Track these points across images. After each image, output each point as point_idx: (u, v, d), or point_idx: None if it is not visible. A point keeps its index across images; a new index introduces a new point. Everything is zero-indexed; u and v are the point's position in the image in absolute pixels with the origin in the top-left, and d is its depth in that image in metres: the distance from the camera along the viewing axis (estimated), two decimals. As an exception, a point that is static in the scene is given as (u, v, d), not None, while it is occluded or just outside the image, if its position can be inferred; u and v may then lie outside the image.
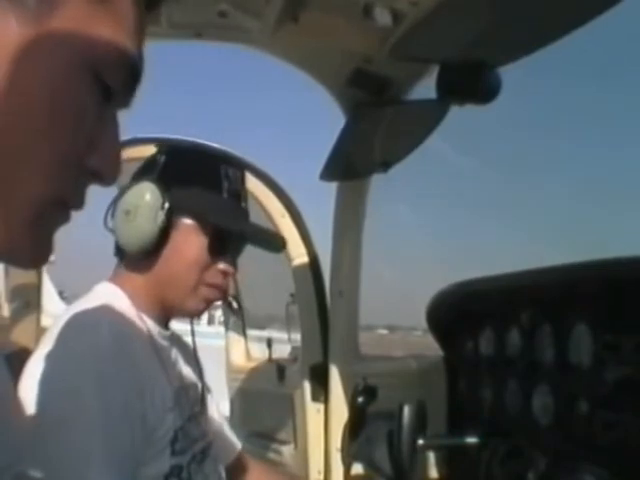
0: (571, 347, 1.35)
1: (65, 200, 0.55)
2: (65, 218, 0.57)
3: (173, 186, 1.26)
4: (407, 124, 1.67)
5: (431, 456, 1.92)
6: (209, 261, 1.27)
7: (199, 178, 1.29)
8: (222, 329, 3.05)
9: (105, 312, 1.19)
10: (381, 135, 1.70)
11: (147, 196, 1.23)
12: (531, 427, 1.45)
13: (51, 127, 0.50)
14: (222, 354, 2.90)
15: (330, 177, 1.92)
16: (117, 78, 0.54)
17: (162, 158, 1.31)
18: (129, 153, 1.91)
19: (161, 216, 1.22)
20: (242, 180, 1.36)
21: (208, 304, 1.32)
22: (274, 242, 1.47)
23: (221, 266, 1.29)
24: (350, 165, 1.91)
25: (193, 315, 1.36)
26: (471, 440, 1.61)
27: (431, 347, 2.04)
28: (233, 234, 1.31)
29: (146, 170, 1.32)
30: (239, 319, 2.86)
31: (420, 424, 1.52)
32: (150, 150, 1.39)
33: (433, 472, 1.93)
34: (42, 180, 0.51)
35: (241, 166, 1.40)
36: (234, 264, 1.33)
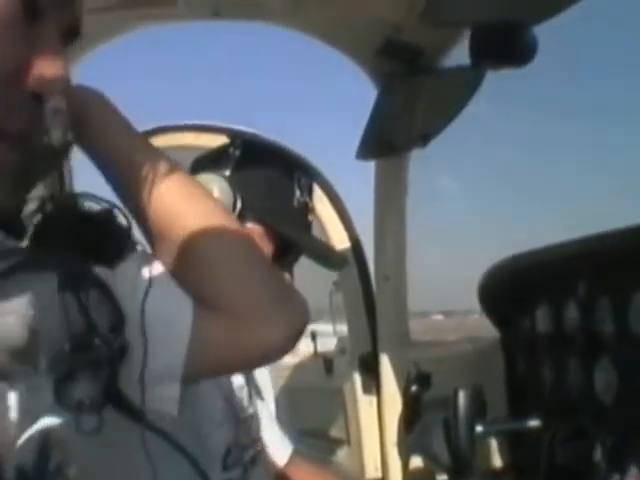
0: (632, 317, 1.37)
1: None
2: (9, 150, 0.58)
3: (245, 185, 1.27)
4: (443, 93, 1.69)
5: (492, 443, 1.94)
6: None
7: (274, 182, 1.32)
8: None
9: None
10: (416, 106, 1.73)
11: (216, 192, 1.24)
12: (595, 405, 1.48)
13: None
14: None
15: (367, 155, 1.95)
16: None
17: (236, 153, 1.31)
18: (184, 139, 1.99)
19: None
20: (311, 190, 1.39)
21: None
22: (335, 260, 1.51)
23: None
24: (387, 141, 1.93)
25: None
26: (533, 423, 1.63)
27: (488, 329, 2.06)
28: (297, 246, 1.34)
29: (215, 162, 1.31)
30: None
31: (477, 409, 1.55)
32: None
33: (495, 459, 1.96)
34: None
35: (311, 174, 1.44)
36: (291, 273, 1.35)
